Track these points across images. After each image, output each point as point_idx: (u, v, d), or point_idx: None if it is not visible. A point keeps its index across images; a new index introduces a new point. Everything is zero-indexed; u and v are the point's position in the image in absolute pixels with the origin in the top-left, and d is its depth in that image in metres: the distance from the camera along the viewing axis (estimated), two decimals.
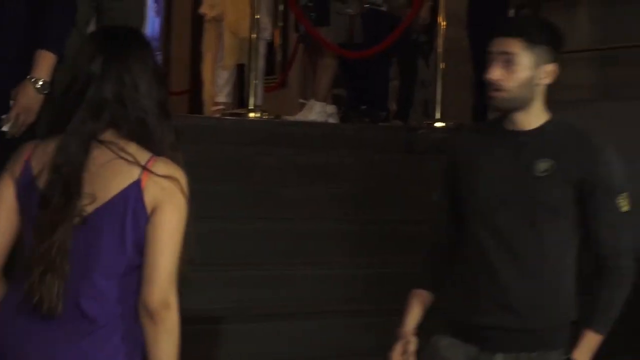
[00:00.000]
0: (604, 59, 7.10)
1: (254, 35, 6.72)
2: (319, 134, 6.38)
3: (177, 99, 10.65)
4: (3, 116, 3.57)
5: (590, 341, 2.93)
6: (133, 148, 2.42)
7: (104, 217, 2.39)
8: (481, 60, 3.13)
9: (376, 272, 5.22)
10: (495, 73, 2.93)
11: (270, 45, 8.11)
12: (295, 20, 7.91)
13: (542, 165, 2.92)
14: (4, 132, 3.56)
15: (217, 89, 7.70)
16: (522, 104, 2.96)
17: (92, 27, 4.94)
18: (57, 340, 2.39)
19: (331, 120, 7.17)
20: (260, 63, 7.17)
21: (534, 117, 2.99)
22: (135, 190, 2.38)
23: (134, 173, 2.39)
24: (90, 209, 2.39)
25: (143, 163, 2.40)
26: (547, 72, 2.96)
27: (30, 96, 3.57)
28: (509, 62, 2.92)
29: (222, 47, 7.66)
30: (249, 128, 6.33)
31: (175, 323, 2.41)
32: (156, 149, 2.45)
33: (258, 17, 6.79)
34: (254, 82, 6.73)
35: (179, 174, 2.43)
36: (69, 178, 2.38)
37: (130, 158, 2.40)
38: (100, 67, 2.43)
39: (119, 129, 2.44)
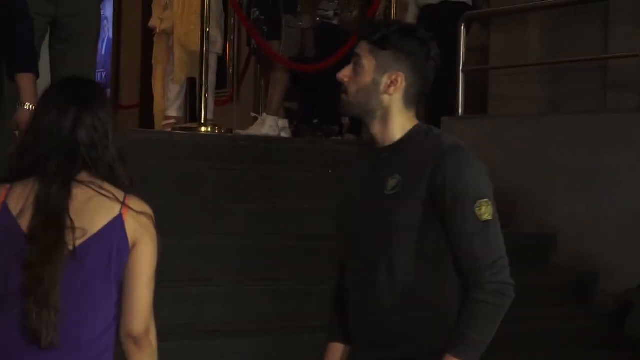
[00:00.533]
0: (553, 72, 7.16)
1: (204, 49, 6.69)
2: (271, 148, 6.37)
3: (127, 112, 10.57)
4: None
5: None
6: (108, 186, 2.60)
7: (92, 249, 2.54)
8: None
9: (329, 288, 5.19)
10: (343, 72, 2.79)
11: (221, 59, 8.08)
12: (247, 33, 7.89)
13: (391, 183, 2.71)
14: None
15: (168, 102, 7.66)
16: (367, 113, 2.78)
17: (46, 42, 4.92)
18: None
19: (283, 135, 7.16)
20: (211, 77, 7.16)
21: (395, 131, 2.77)
22: (118, 224, 2.56)
23: (115, 208, 2.57)
24: (79, 242, 2.52)
25: (121, 199, 2.58)
26: (392, 81, 2.75)
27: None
28: (356, 64, 2.78)
29: (172, 60, 7.62)
30: (200, 142, 6.29)
31: (156, 343, 2.64)
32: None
33: (208, 30, 6.76)
34: (205, 96, 6.69)
35: (150, 211, 2.63)
36: (55, 215, 2.52)
37: (109, 195, 2.57)
38: (74, 115, 2.60)
39: (91, 171, 2.60)
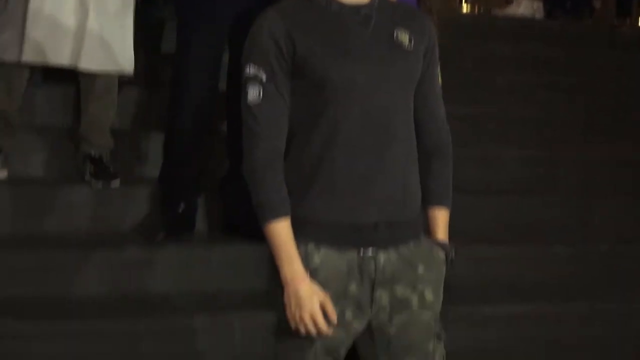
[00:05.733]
0: None
1: None
2: (526, 27, 6.66)
3: None
4: None
5: (447, 219, 2.67)
6: None
7: None
8: None
9: (575, 159, 5.52)
10: None
11: None
12: None
13: (403, 37, 2.50)
14: None
15: None
16: None
17: None
18: None
19: (537, 16, 7.42)
20: None
21: None
22: None
23: None
24: None
25: None
26: None
27: None
28: None
29: None
30: (461, 22, 6.67)
31: None
32: None
33: None
34: None
35: None
36: None
37: None
38: None
39: None
